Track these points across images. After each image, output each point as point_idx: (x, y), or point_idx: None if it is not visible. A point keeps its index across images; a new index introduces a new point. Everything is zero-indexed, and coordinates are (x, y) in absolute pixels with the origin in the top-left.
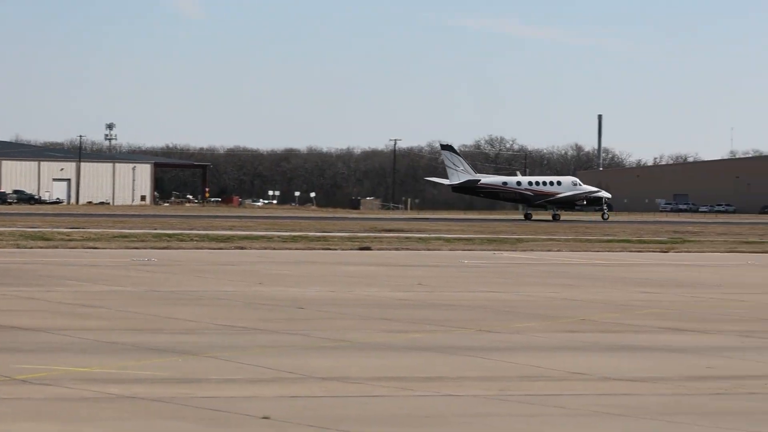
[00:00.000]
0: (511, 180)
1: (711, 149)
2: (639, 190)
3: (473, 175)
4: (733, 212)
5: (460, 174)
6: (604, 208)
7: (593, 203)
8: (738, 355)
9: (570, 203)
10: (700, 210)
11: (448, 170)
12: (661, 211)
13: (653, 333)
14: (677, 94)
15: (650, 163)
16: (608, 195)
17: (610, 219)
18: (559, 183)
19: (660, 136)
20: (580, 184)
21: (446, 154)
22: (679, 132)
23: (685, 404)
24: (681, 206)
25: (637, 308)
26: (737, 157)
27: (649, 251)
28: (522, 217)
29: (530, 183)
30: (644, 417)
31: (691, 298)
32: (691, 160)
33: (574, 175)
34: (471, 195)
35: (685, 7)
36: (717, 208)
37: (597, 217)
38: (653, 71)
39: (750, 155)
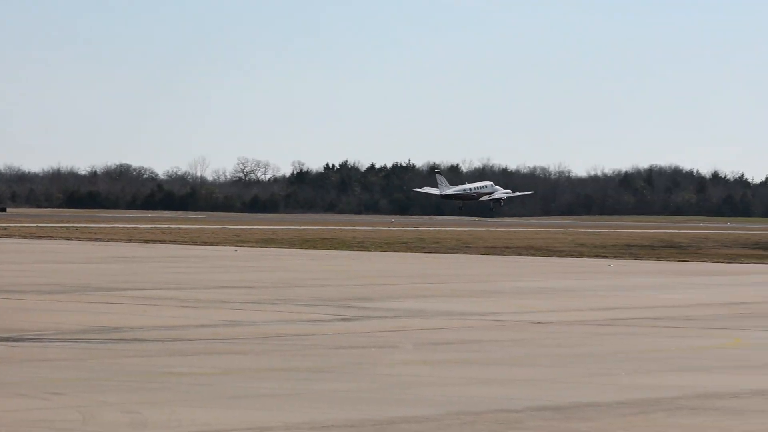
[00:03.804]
0: (467, 187)
1: None
2: None
3: (450, 188)
4: None
5: (444, 188)
6: (501, 203)
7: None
8: None
9: (499, 200)
10: None
11: (439, 186)
12: None
13: None
14: None
15: None
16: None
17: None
18: (485, 186)
19: None
20: (494, 185)
21: (438, 176)
22: None
23: None
24: None
25: None
26: None
27: None
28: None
29: (476, 188)
30: None
31: None
32: None
33: None
34: (452, 200)
35: None
36: None
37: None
38: None
39: None
